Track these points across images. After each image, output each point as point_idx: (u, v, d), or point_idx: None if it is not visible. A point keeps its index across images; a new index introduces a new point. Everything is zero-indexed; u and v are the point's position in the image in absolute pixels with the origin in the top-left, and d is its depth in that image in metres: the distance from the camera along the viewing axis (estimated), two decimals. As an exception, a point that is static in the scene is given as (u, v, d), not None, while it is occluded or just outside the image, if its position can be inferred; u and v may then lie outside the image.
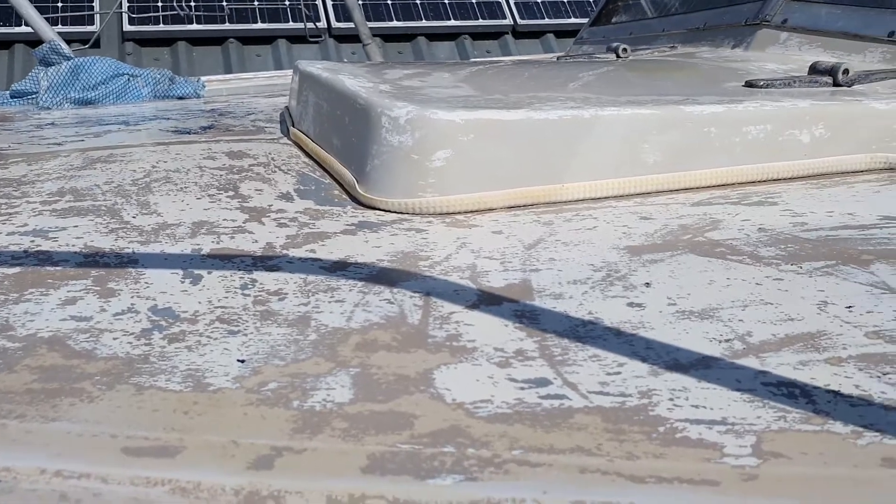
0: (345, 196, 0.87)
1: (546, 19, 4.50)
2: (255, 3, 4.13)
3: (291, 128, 1.17)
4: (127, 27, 3.86)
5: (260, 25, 4.09)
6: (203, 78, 2.05)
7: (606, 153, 0.85)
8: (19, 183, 0.94)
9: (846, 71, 1.04)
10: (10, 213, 0.82)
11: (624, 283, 0.63)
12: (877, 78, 1.07)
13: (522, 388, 0.48)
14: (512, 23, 4.43)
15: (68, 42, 2.17)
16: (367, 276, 0.65)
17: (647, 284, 0.63)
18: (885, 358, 0.50)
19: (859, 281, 0.62)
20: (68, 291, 0.62)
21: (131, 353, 0.52)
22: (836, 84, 1.04)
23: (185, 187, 0.91)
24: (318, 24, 4.03)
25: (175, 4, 3.79)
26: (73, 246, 0.72)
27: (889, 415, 0.44)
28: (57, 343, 0.53)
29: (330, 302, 0.60)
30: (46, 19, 2.18)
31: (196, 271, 0.66)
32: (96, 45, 3.55)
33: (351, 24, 3.01)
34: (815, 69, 1.07)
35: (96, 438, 0.43)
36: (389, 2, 4.31)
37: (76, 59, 1.78)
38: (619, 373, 0.49)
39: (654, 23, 1.80)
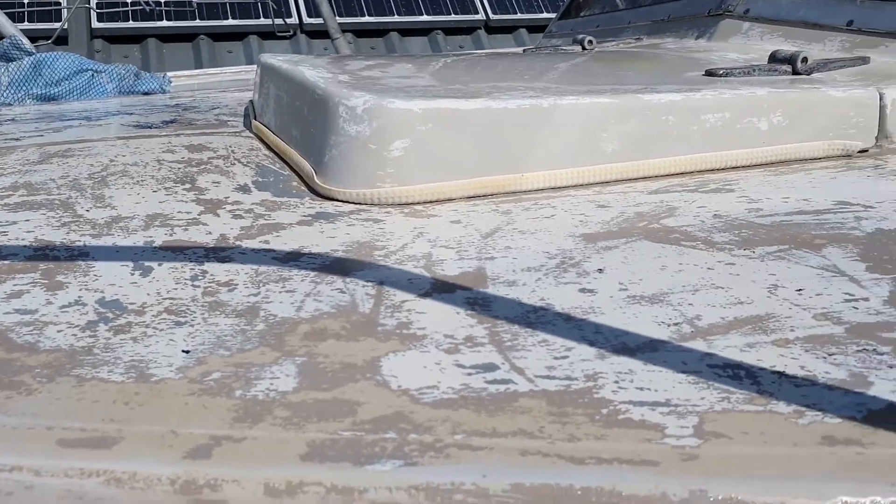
0: (303, 188, 0.87)
1: (519, 14, 4.51)
2: (226, -2, 4.10)
3: (254, 121, 1.16)
4: (95, 24, 3.81)
5: (231, 22, 4.06)
6: (170, 74, 2.03)
7: (565, 142, 0.85)
8: None
9: (805, 59, 1.05)
10: None
11: (577, 269, 0.63)
12: (835, 66, 1.07)
13: (469, 374, 0.47)
14: (485, 18, 4.43)
15: (34, 39, 2.14)
16: (320, 267, 0.64)
17: (600, 271, 0.63)
18: (832, 339, 0.50)
19: (811, 264, 0.62)
20: (14, 285, 0.61)
21: (75, 345, 0.51)
22: (795, 72, 1.05)
23: (142, 181, 0.90)
24: (287, 20, 4.01)
25: (142, 0, 3.75)
26: (23, 240, 0.71)
27: (832, 394, 0.44)
28: None
29: (280, 292, 0.59)
30: (11, 15, 2.15)
31: (147, 263, 0.65)
32: (63, 41, 3.51)
33: (322, 20, 3.00)
34: (774, 58, 1.08)
35: (31, 431, 0.42)
36: (361, -3, 4.30)
37: (38, 55, 1.75)
38: (566, 357, 0.49)
39: (620, 15, 1.81)
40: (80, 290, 0.60)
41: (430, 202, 0.81)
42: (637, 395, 0.44)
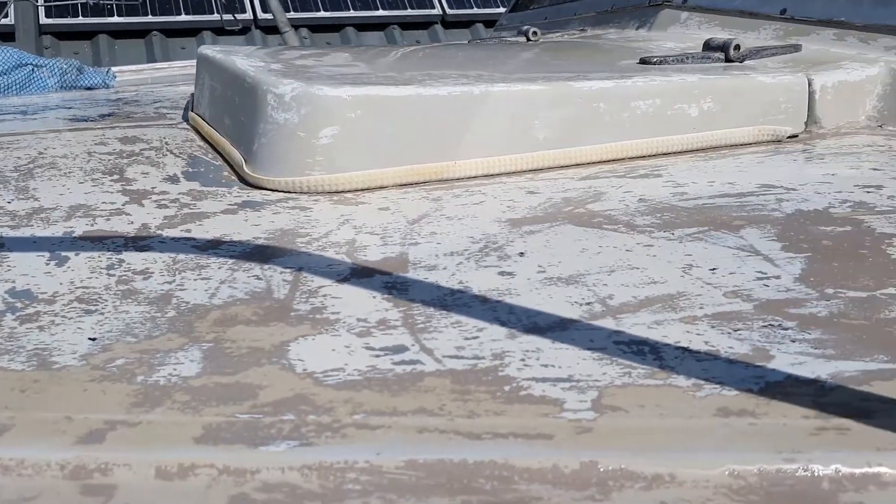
0: (234, 177, 0.86)
1: (475, 9, 4.51)
2: (178, -6, 4.05)
3: (190, 112, 1.14)
4: (44, 20, 3.74)
5: (184, 17, 4.01)
6: (115, 69, 2.00)
7: (498, 129, 0.85)
8: None
9: (737, 47, 1.06)
10: None
11: (499, 253, 0.63)
12: (768, 53, 1.09)
13: (377, 356, 0.47)
14: (441, 12, 4.42)
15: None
16: (239, 254, 0.64)
17: (521, 254, 0.63)
18: (739, 315, 0.51)
19: (727, 245, 0.63)
20: None
21: None
22: (728, 60, 1.06)
23: (70, 172, 0.88)
24: (241, 15, 3.97)
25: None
26: None
27: (732, 367, 0.45)
28: None
29: (196, 280, 0.59)
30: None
31: (63, 253, 0.64)
32: (10, 38, 3.44)
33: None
34: (708, 46, 1.09)
35: None
36: (317, -8, 4.27)
37: (-25, 50, 1.71)
38: (476, 337, 0.49)
39: (567, 7, 1.82)
40: None
41: (361, 190, 0.81)
42: (541, 372, 0.45)
